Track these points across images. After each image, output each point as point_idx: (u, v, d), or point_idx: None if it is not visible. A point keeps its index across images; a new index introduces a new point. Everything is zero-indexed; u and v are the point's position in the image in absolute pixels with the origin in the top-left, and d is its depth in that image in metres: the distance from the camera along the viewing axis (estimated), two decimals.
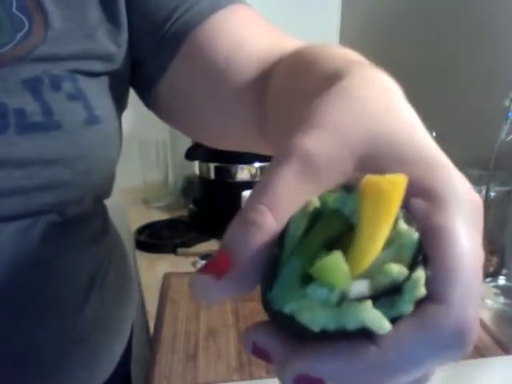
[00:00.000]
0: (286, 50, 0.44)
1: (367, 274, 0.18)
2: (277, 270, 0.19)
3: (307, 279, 0.18)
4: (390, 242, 0.19)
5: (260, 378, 0.66)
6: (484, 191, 0.91)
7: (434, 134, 1.10)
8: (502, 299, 0.87)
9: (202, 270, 0.20)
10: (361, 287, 0.18)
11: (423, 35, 1.22)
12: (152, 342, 0.75)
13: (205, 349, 0.72)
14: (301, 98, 0.30)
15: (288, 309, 0.19)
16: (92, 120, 0.44)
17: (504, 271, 0.92)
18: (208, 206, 1.18)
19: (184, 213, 1.24)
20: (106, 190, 0.55)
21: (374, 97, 0.25)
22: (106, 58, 0.46)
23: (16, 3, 0.42)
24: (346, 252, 0.18)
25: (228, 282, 0.20)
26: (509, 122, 0.79)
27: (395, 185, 0.18)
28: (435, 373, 0.23)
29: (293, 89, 0.36)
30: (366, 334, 0.18)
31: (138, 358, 0.79)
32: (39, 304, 0.46)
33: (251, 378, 0.66)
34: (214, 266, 0.20)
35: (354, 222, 0.19)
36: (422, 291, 0.18)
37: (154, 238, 1.12)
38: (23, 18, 0.42)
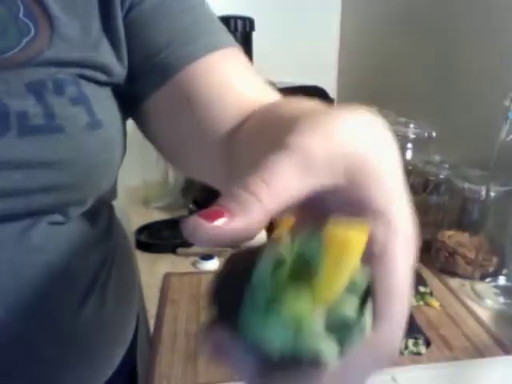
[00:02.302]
0: (263, 102, 0.45)
1: (325, 312, 0.20)
2: (243, 299, 0.21)
3: (271, 310, 0.20)
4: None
5: None
6: (484, 191, 0.91)
7: (434, 133, 1.10)
8: (501, 299, 0.87)
9: (199, 215, 0.22)
10: (319, 322, 0.20)
11: (423, 35, 1.22)
12: (152, 342, 0.75)
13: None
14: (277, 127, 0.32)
15: (252, 336, 0.21)
16: (94, 124, 0.44)
17: (504, 271, 0.92)
18: (208, 206, 1.18)
19: (184, 213, 1.24)
20: (110, 192, 0.55)
21: (359, 120, 0.26)
22: (107, 70, 0.46)
23: (23, 9, 0.42)
24: (307, 290, 0.20)
25: (215, 229, 0.21)
26: (509, 121, 0.79)
27: (357, 240, 0.20)
28: (435, 372, 0.24)
29: (264, 131, 0.38)
30: (316, 365, 0.20)
31: (138, 357, 0.79)
32: (39, 303, 0.46)
33: None
34: (210, 215, 0.22)
35: (315, 263, 0.21)
36: (367, 332, 0.21)
37: (154, 238, 1.12)
38: (29, 23, 0.42)
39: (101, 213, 0.54)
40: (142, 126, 0.53)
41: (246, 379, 0.23)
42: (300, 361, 0.20)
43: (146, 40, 0.48)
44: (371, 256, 0.23)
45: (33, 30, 0.42)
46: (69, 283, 0.49)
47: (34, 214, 0.45)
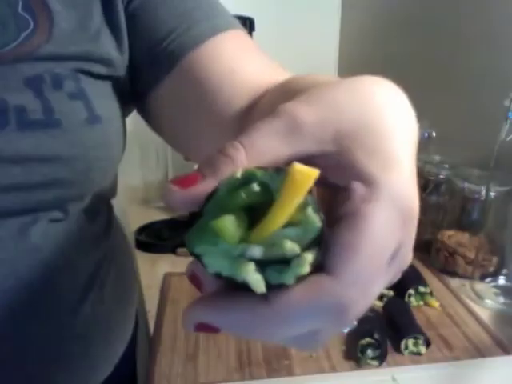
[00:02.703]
0: (275, 81, 0.45)
1: (267, 243, 0.21)
2: (197, 219, 0.23)
3: (208, 232, 0.22)
4: (297, 224, 0.22)
5: (260, 378, 0.66)
6: (484, 191, 0.91)
7: (434, 133, 1.10)
8: (501, 299, 0.87)
9: (174, 180, 0.23)
10: (256, 251, 0.21)
11: (423, 35, 1.22)
12: (152, 342, 0.75)
13: (205, 349, 0.72)
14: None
15: (197, 250, 0.22)
16: (92, 119, 0.44)
17: (504, 271, 0.92)
18: None
19: (184, 213, 1.24)
20: (109, 189, 0.54)
21: (358, 86, 0.27)
22: (108, 62, 0.46)
23: (22, 3, 0.42)
24: (259, 219, 0.22)
25: (186, 194, 0.23)
26: (509, 121, 0.79)
27: (308, 176, 0.21)
28: (435, 372, 0.23)
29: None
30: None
31: (138, 357, 0.79)
32: (37, 301, 0.46)
33: (251, 378, 0.66)
34: (184, 179, 0.23)
35: (271, 196, 0.22)
36: (305, 270, 0.21)
37: (153, 238, 1.12)
38: (28, 17, 0.42)
39: (100, 210, 0.54)
40: (150, 117, 0.53)
41: (213, 300, 0.23)
42: (235, 283, 0.21)
43: (149, 29, 0.48)
44: (344, 214, 0.22)
45: (31, 25, 0.42)
46: (68, 280, 0.49)
47: (33, 210, 0.45)
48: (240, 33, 0.50)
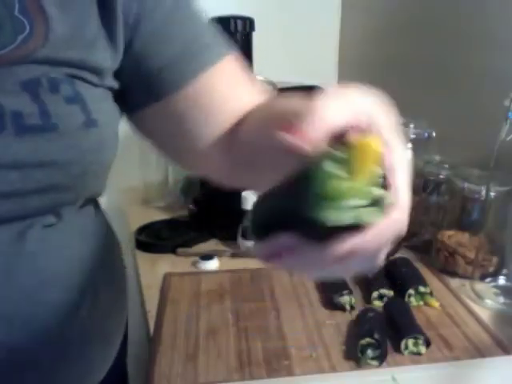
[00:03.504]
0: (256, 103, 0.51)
1: (362, 196, 0.29)
2: (295, 192, 0.30)
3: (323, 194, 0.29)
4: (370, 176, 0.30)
5: (260, 378, 0.66)
6: (484, 191, 0.91)
7: (434, 133, 1.10)
8: (501, 299, 0.87)
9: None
10: (363, 202, 0.29)
11: (423, 35, 1.22)
12: (152, 342, 0.75)
13: (205, 349, 0.72)
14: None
15: (321, 215, 0.29)
16: (89, 123, 0.44)
17: (504, 271, 0.92)
18: (208, 206, 1.18)
19: (184, 213, 1.24)
20: (100, 191, 0.55)
21: (359, 92, 0.34)
22: (99, 72, 0.46)
23: (18, 6, 0.42)
24: (346, 179, 0.29)
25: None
26: (509, 121, 0.79)
27: (377, 144, 0.30)
28: (435, 372, 0.24)
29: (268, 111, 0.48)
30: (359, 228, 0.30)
31: (138, 358, 0.79)
32: (34, 305, 0.46)
33: (251, 378, 0.66)
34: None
35: (347, 162, 0.30)
36: (391, 201, 0.30)
37: (154, 238, 1.12)
38: (25, 21, 0.42)
39: (90, 213, 0.54)
40: (136, 126, 0.54)
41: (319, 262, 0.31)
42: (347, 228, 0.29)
43: (145, 56, 0.49)
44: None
45: (28, 28, 0.42)
46: (64, 286, 0.49)
47: (30, 215, 0.45)
48: (231, 58, 0.52)
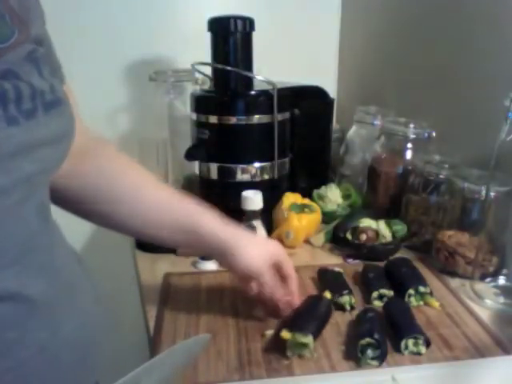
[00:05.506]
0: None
1: None
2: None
3: None
4: None
5: (260, 378, 0.66)
6: (484, 191, 0.91)
7: (434, 133, 1.10)
8: (501, 299, 0.87)
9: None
10: None
11: (423, 35, 1.22)
12: (152, 342, 0.75)
13: (205, 349, 0.72)
14: None
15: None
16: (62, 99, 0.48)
17: (504, 271, 0.92)
18: (208, 205, 1.18)
19: None
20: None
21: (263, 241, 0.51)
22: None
23: (8, 16, 0.44)
24: None
25: None
26: (509, 122, 0.79)
27: None
28: (435, 372, 0.23)
29: None
30: None
31: (138, 358, 0.79)
32: (31, 302, 0.46)
33: (251, 378, 0.66)
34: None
35: None
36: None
37: None
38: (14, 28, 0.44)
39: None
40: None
41: None
42: None
43: None
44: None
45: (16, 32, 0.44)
46: (56, 283, 0.49)
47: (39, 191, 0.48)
48: (106, 141, 0.68)
